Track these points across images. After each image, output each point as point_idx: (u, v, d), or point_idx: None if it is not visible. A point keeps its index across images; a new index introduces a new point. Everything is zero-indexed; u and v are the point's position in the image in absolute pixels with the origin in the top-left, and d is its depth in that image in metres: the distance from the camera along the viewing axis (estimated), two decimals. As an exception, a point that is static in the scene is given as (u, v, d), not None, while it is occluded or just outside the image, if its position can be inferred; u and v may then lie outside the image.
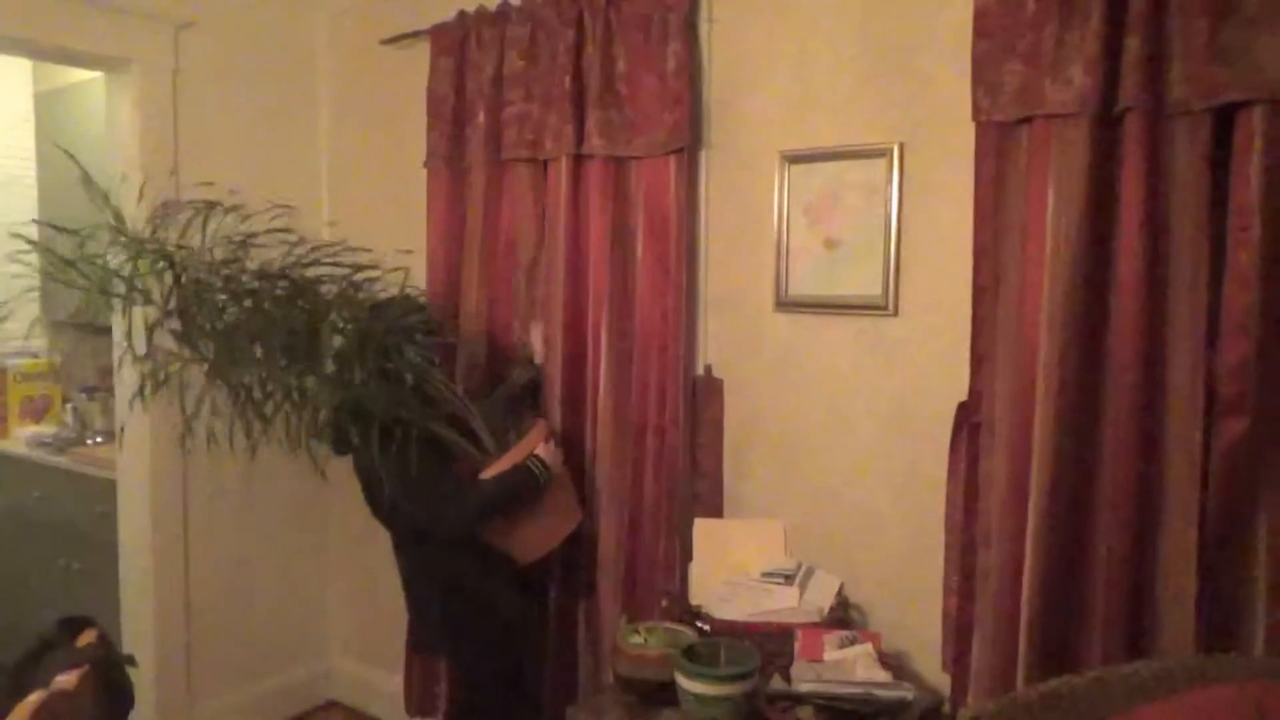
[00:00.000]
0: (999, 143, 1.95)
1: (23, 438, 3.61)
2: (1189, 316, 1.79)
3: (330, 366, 2.16)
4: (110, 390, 3.62)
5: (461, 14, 2.75)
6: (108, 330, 3.24)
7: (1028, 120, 1.90)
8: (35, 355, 3.85)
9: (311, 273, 2.32)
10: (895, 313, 2.18)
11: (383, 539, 3.16)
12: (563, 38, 2.49)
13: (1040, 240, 1.88)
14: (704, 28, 2.41)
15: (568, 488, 2.45)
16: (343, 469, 3.29)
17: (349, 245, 2.43)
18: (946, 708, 2.08)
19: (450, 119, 2.78)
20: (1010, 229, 1.95)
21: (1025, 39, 1.89)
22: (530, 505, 2.32)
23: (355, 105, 3.26)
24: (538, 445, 2.34)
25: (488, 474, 2.29)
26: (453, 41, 2.77)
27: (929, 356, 2.15)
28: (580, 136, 2.48)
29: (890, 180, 2.16)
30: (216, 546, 3.06)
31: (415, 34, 2.91)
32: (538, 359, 2.62)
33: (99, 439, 3.51)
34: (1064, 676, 1.42)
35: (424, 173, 2.88)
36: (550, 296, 2.57)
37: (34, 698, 1.17)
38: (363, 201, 3.23)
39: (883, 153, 2.16)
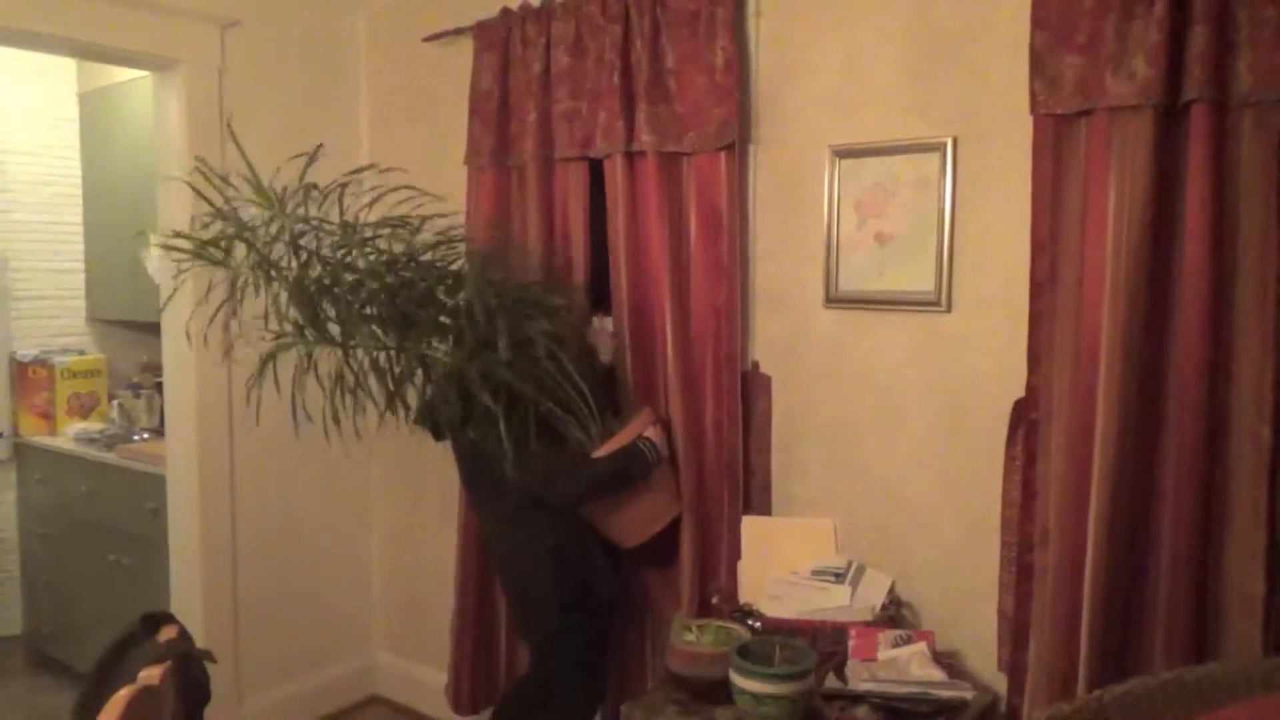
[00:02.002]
0: (1057, 136, 1.92)
1: (71, 434, 3.66)
2: (1257, 311, 1.76)
3: (443, 342, 2.17)
4: (154, 387, 3.67)
5: (505, 10, 2.74)
6: (151, 327, 3.27)
7: (1088, 113, 1.87)
8: (81, 352, 3.90)
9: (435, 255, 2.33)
10: (949, 309, 2.16)
11: (426, 535, 3.21)
12: (609, 33, 2.47)
13: (1101, 235, 1.85)
14: (751, 21, 2.39)
15: (669, 475, 2.45)
16: (385, 463, 3.34)
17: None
18: (1002, 708, 2.06)
19: (494, 116, 2.76)
20: (1069, 224, 1.92)
21: (1085, 29, 1.86)
22: (637, 486, 2.35)
23: (397, 103, 3.27)
24: (646, 428, 2.37)
25: (599, 454, 2.32)
26: (496, 38, 2.76)
27: (983, 353, 2.13)
28: (630, 134, 2.47)
29: (944, 175, 2.13)
30: (263, 543, 3.09)
31: (457, 31, 2.91)
32: (604, 356, 2.60)
33: (146, 435, 3.55)
34: (1139, 678, 1.39)
35: (464, 170, 2.88)
36: (616, 293, 2.55)
37: (124, 693, 1.19)
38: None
39: (936, 147, 2.14)
